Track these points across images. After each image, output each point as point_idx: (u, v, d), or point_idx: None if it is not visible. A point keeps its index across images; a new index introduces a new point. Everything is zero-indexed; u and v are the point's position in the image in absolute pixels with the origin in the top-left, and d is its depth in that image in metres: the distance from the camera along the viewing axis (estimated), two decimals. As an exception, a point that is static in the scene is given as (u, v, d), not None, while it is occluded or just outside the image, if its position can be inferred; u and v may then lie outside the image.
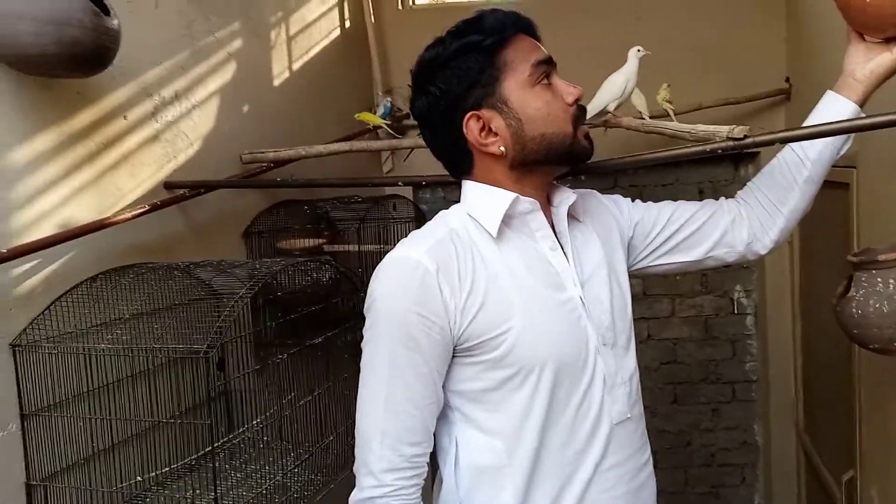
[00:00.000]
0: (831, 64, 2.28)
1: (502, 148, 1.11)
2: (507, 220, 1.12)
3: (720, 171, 3.19)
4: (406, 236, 1.15)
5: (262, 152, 2.13)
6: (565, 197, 1.18)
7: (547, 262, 1.12)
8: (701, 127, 1.36)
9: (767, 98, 2.81)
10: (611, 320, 1.15)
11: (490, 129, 1.11)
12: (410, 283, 1.03)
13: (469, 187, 1.16)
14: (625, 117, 1.92)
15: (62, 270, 1.54)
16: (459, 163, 1.17)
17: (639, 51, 1.97)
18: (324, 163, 2.37)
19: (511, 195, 1.11)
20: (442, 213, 1.17)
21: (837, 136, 1.23)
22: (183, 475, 1.67)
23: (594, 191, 1.33)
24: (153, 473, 1.62)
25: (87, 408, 1.54)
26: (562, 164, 1.17)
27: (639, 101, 2.05)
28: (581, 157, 1.15)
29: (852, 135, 1.26)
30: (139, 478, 1.61)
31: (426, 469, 1.10)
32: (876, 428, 1.90)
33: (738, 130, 1.10)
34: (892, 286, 1.30)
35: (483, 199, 1.13)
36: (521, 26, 1.13)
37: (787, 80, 2.82)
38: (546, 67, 1.12)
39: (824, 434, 2.59)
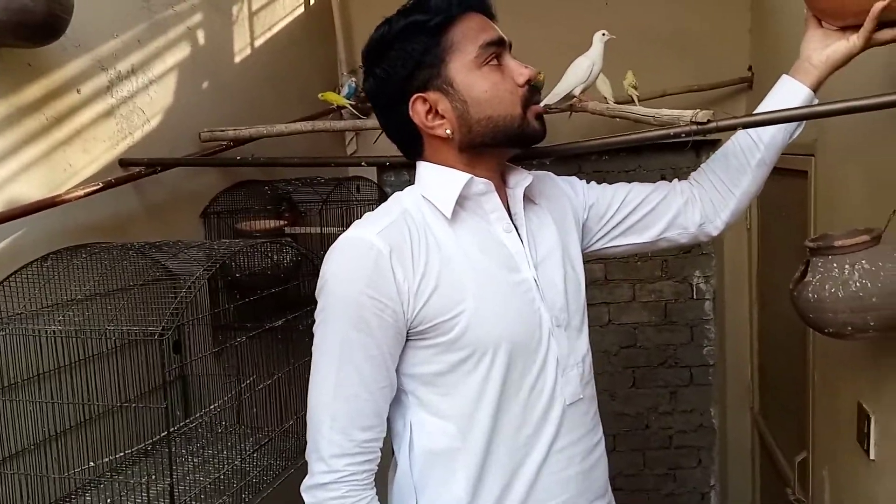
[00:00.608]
0: (792, 54, 2.30)
1: (448, 131, 1.10)
2: (461, 202, 1.11)
3: (682, 158, 3.22)
4: None
5: (222, 130, 2.08)
6: (521, 178, 1.18)
7: (501, 244, 1.12)
8: (665, 111, 1.37)
9: (730, 86, 2.84)
10: (564, 302, 1.16)
11: (437, 111, 1.10)
12: (363, 264, 1.02)
13: (423, 168, 1.15)
14: (590, 102, 1.92)
15: (11, 249, 1.48)
16: (410, 145, 1.17)
17: (603, 34, 1.97)
18: (286, 143, 2.33)
19: (465, 176, 1.10)
20: (396, 194, 1.15)
21: None
22: (138, 461, 1.63)
23: (550, 173, 1.33)
24: (107, 459, 1.59)
25: (37, 391, 1.49)
26: (512, 147, 1.15)
27: (604, 87, 2.05)
28: (531, 140, 1.13)
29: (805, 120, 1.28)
30: (92, 463, 1.57)
31: (378, 455, 1.09)
32: (827, 411, 1.95)
33: (702, 115, 1.10)
34: (847, 272, 1.32)
35: (437, 181, 1.12)
36: (471, 4, 1.11)
37: (750, 68, 2.85)
38: (495, 48, 1.10)
39: (778, 417, 2.65)
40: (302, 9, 2.77)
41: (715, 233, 1.34)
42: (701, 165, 1.35)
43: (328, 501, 1.04)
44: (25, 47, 1.48)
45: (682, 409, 3.35)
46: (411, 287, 1.03)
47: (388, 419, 1.11)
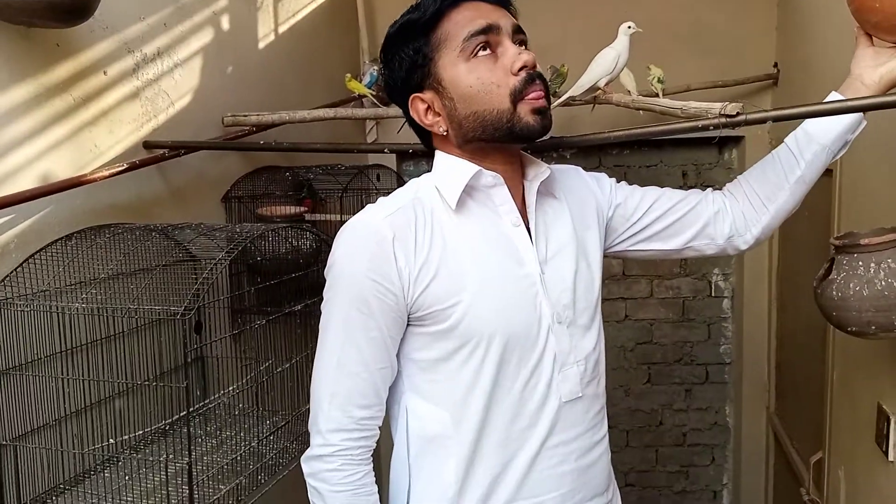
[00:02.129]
0: (819, 51, 2.29)
1: (443, 128, 1.10)
2: (470, 192, 1.10)
3: (704, 154, 3.19)
4: None
5: (245, 115, 2.09)
6: (539, 172, 1.16)
7: (508, 238, 1.11)
8: (693, 104, 1.36)
9: (755, 82, 2.81)
10: (571, 299, 1.13)
11: (434, 109, 1.11)
12: (366, 247, 1.04)
13: (439, 157, 1.15)
14: (615, 94, 1.91)
15: (37, 227, 1.50)
16: (423, 138, 1.19)
17: (629, 27, 1.95)
18: (307, 129, 2.33)
19: (473, 168, 1.09)
20: (413, 180, 1.16)
21: (836, 140, 1.23)
22: (156, 439, 1.65)
23: (578, 167, 1.32)
24: (125, 437, 1.61)
25: (59, 368, 1.51)
26: (508, 143, 1.10)
27: (628, 80, 2.04)
28: (524, 137, 1.07)
29: (850, 141, 1.25)
30: (111, 441, 1.59)
31: (376, 433, 1.11)
32: (845, 411, 1.93)
33: (731, 107, 1.09)
34: (872, 270, 1.31)
35: (448, 171, 1.12)
36: None
37: (776, 65, 2.82)
38: (482, 37, 1.04)
39: (794, 417, 2.63)
40: (326, -4, 2.77)
41: (744, 247, 1.31)
42: (738, 177, 1.32)
43: (323, 472, 1.07)
44: (55, 28, 1.49)
45: (696, 406, 3.33)
46: (412, 273, 1.04)
47: (387, 401, 1.12)
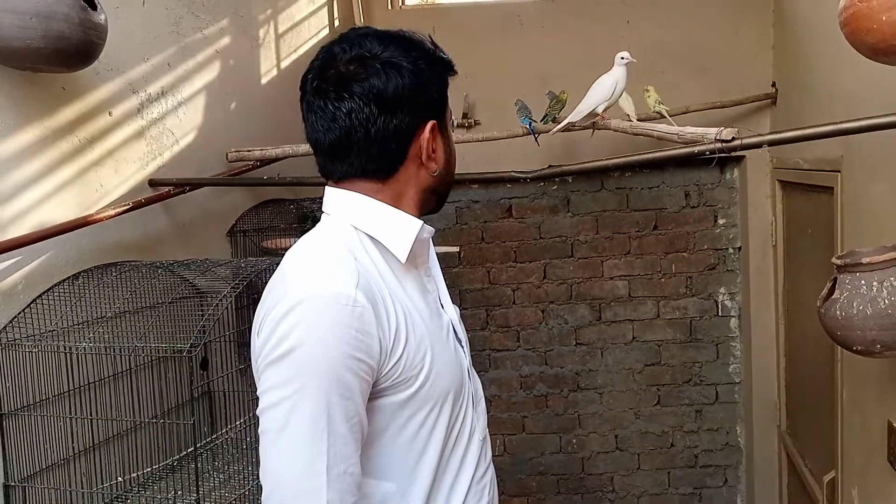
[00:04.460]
0: (817, 70, 2.31)
1: (435, 168, 1.04)
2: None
3: (706, 174, 3.20)
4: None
5: (249, 150, 2.11)
6: (428, 225, 1.13)
7: (425, 289, 1.08)
8: (689, 129, 1.37)
9: (754, 102, 2.83)
10: (464, 339, 1.14)
11: (434, 147, 1.04)
12: (350, 325, 0.89)
13: (369, 205, 1.02)
14: (613, 119, 1.93)
15: (44, 267, 1.52)
16: (386, 160, 1.01)
17: (623, 58, 1.97)
18: (311, 162, 2.34)
19: (418, 222, 1.03)
20: (326, 229, 1.02)
21: None
22: (164, 476, 1.65)
23: None
24: (134, 474, 1.61)
25: (67, 407, 1.52)
26: (435, 207, 1.11)
27: (627, 105, 2.06)
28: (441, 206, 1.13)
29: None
30: (120, 479, 1.59)
31: None
32: (857, 429, 1.92)
33: (727, 132, 1.10)
34: (875, 289, 1.31)
35: (389, 223, 1.01)
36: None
37: (774, 84, 2.84)
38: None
39: (806, 436, 2.61)
40: (327, 31, 2.82)
41: None
42: None
43: None
44: (60, 72, 1.53)
45: (707, 427, 3.31)
46: (386, 344, 0.93)
47: None
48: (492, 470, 1.15)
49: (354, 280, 0.92)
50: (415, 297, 1.02)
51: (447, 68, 1.06)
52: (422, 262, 1.09)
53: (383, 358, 0.93)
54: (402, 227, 1.02)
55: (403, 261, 1.01)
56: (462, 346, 1.11)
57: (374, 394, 0.95)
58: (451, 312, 1.12)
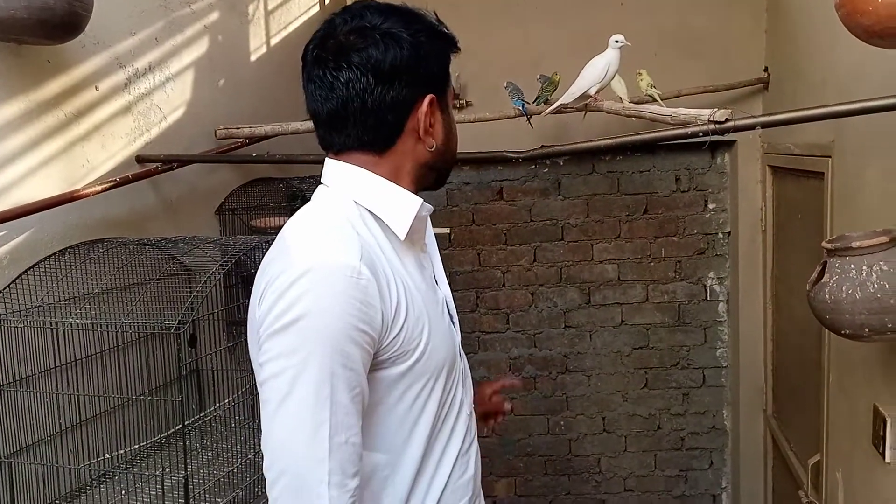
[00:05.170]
0: (809, 54, 2.31)
1: (432, 144, 1.04)
2: None
3: (697, 158, 3.20)
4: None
5: (237, 128, 2.09)
6: (426, 202, 1.13)
7: (422, 265, 1.09)
8: (682, 110, 1.36)
9: (746, 87, 2.83)
10: (455, 314, 1.15)
11: (432, 123, 1.03)
12: (355, 296, 0.90)
13: (370, 180, 1.02)
14: (606, 101, 1.92)
15: (29, 243, 1.50)
16: (382, 131, 1.01)
17: (617, 41, 1.96)
18: (300, 140, 2.33)
19: (418, 200, 1.04)
20: (327, 203, 1.02)
21: None
22: (152, 453, 1.64)
23: None
24: (122, 451, 1.60)
25: (55, 383, 1.51)
26: (435, 184, 1.12)
27: (619, 87, 2.05)
28: (442, 183, 1.13)
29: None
30: (107, 455, 1.59)
31: None
32: (842, 413, 1.93)
33: (720, 114, 1.10)
34: (864, 273, 1.31)
35: (389, 199, 1.02)
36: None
37: (766, 69, 2.84)
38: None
39: (791, 419, 2.63)
40: (317, 8, 2.78)
41: None
42: None
43: None
44: (45, 44, 1.50)
45: (694, 410, 3.33)
46: (388, 316, 0.95)
47: None
48: (476, 443, 1.16)
49: (358, 253, 0.93)
50: (413, 272, 1.03)
51: (449, 44, 1.05)
52: (419, 239, 1.09)
53: (384, 331, 0.94)
54: (403, 205, 1.02)
55: (403, 238, 1.01)
56: (454, 323, 1.12)
57: (373, 366, 0.96)
58: (446, 289, 1.14)
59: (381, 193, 1.02)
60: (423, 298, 1.02)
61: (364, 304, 0.91)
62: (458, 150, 1.13)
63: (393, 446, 1.01)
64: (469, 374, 1.17)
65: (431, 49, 1.02)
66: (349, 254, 0.93)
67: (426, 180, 1.08)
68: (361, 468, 0.97)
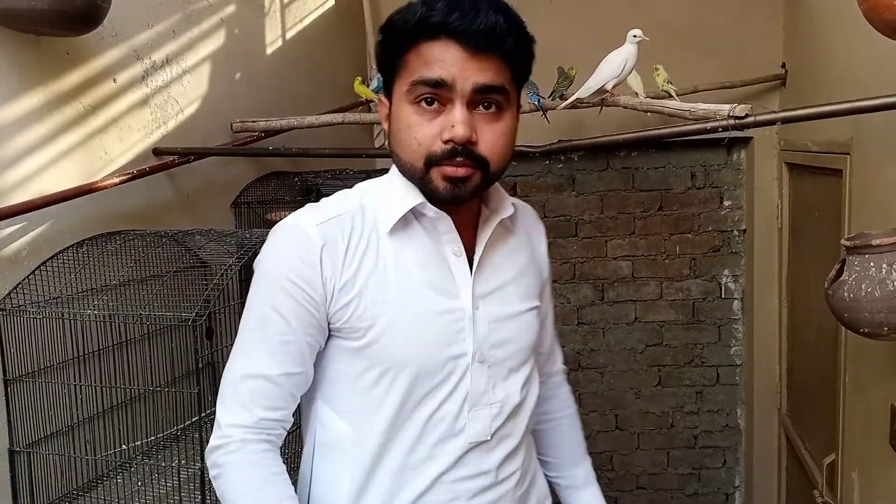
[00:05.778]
0: (827, 51, 2.28)
1: (383, 140, 1.06)
2: (416, 215, 1.05)
3: (713, 155, 3.18)
4: None
5: (254, 121, 2.10)
6: (503, 206, 1.11)
7: (446, 267, 1.06)
8: (701, 105, 1.35)
9: (763, 83, 2.81)
10: (502, 338, 1.09)
11: (387, 112, 1.05)
12: (292, 251, 1.00)
13: (394, 170, 1.07)
14: (622, 96, 1.91)
15: (48, 234, 1.51)
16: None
17: (635, 36, 1.95)
18: (315, 134, 2.34)
19: (418, 198, 1.03)
20: (362, 186, 1.10)
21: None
22: (168, 445, 1.65)
23: (534, 211, 1.27)
24: (138, 442, 1.61)
25: (72, 374, 1.52)
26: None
27: (635, 82, 2.03)
28: (433, 199, 1.03)
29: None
30: (124, 446, 1.60)
31: (281, 434, 1.06)
32: (858, 413, 1.92)
33: (740, 109, 1.09)
34: (884, 271, 1.30)
35: (394, 191, 1.05)
36: (447, 30, 0.96)
37: (783, 65, 2.81)
38: (426, 90, 0.97)
39: (806, 418, 2.62)
40: (333, 2, 2.78)
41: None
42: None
43: (222, 457, 1.02)
44: (64, 36, 1.51)
45: (707, 408, 3.32)
46: (336, 285, 1.01)
47: (300, 405, 1.09)
48: (487, 480, 1.10)
49: (319, 220, 1.02)
50: (408, 265, 1.04)
51: (394, 32, 1.01)
52: (449, 239, 1.06)
53: (330, 295, 1.01)
54: (399, 200, 1.04)
55: (387, 231, 1.04)
56: (471, 338, 1.06)
57: (334, 332, 1.05)
58: (494, 304, 1.08)
59: (391, 185, 1.07)
60: (405, 291, 1.03)
61: (302, 262, 1.00)
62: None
63: (357, 422, 1.06)
64: (505, 411, 1.10)
65: (379, 48, 1.05)
66: (309, 217, 1.02)
67: (421, 186, 1.04)
68: (329, 430, 1.07)
